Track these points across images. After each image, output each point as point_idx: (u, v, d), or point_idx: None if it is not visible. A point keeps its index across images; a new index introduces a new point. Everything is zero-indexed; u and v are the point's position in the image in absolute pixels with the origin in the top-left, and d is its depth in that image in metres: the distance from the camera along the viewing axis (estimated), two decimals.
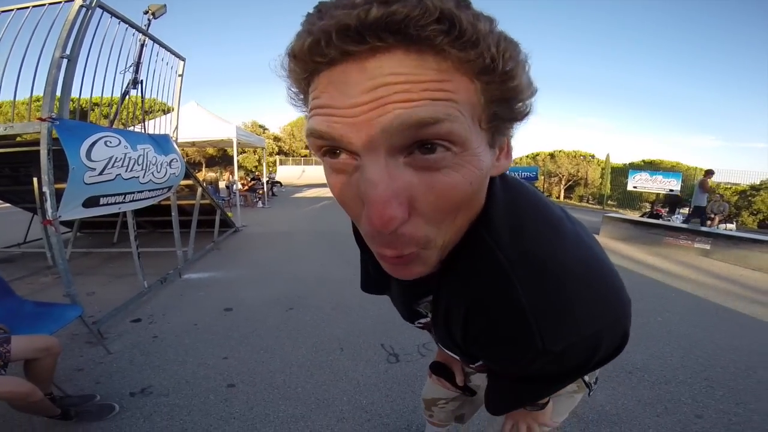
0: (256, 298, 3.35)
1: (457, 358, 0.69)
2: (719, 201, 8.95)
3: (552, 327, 0.43)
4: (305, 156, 31.37)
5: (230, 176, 11.51)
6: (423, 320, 0.70)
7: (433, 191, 0.34)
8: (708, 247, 5.96)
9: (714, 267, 5.33)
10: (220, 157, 26.15)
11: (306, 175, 25.83)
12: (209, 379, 2.14)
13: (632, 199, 13.37)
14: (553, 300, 0.43)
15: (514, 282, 0.43)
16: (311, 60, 0.32)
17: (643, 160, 15.85)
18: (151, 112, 3.98)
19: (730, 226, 7.66)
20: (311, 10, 0.33)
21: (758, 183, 12.15)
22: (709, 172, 7.99)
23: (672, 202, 10.45)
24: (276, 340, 2.60)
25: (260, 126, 31.64)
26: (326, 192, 16.15)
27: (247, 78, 70.10)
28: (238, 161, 7.92)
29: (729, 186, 12.93)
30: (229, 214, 6.81)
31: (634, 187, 11.04)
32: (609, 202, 14.20)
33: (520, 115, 0.38)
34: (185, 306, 3.18)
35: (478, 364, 0.65)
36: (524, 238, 0.45)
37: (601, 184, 15.11)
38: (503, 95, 0.34)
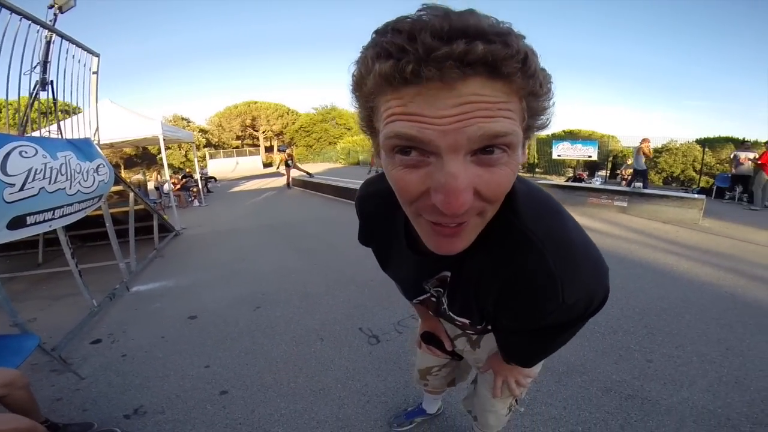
0: (218, 302, 3.21)
1: (461, 322, 0.81)
2: (630, 164, 10.08)
3: (569, 286, 0.58)
4: (237, 147, 29.83)
5: (158, 176, 10.65)
6: (423, 296, 0.81)
7: (492, 181, 0.43)
8: (625, 204, 6.73)
9: (632, 222, 6.02)
10: (140, 156, 24.10)
11: (240, 167, 24.70)
12: (198, 389, 2.07)
13: (557, 166, 14.50)
14: (570, 266, 0.58)
15: (546, 255, 0.56)
16: (404, 78, 0.38)
17: (564, 130, 17.17)
18: (67, 113, 3.52)
19: (637, 184, 8.64)
20: (390, 30, 0.39)
21: (660, 146, 13.73)
22: (645, 140, 8.93)
23: (591, 166, 11.60)
24: (252, 340, 2.54)
25: (183, 119, 29.39)
26: (266, 183, 15.61)
27: (161, 68, 64.02)
28: (165, 157, 7.28)
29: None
30: (165, 217, 6.34)
31: (558, 156, 11.99)
32: (537, 169, 15.24)
33: (543, 127, 0.48)
34: (144, 320, 2.99)
35: (482, 325, 0.79)
36: (544, 221, 0.59)
37: (529, 153, 15.99)
38: (537, 111, 0.45)
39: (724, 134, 14.17)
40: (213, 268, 4.25)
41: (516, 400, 1.12)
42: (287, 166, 12.28)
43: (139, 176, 10.84)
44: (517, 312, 0.66)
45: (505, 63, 0.37)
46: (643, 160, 8.78)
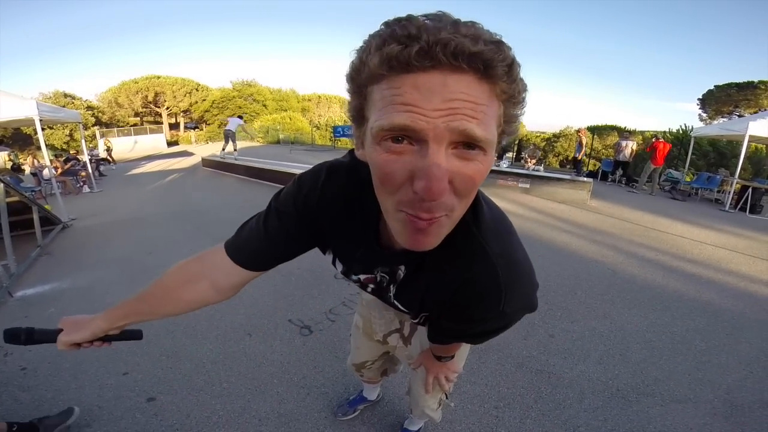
0: None
1: (404, 311, 0.85)
2: (533, 148, 11.23)
3: (510, 298, 0.66)
4: (135, 125, 26.63)
5: (34, 160, 9.13)
6: (365, 276, 0.80)
7: (467, 176, 0.46)
8: (528, 186, 7.47)
9: (533, 202, 6.69)
10: (10, 137, 20.46)
11: (140, 146, 22.19)
12: (122, 398, 1.90)
13: None
14: (514, 282, 0.66)
15: (498, 269, 0.64)
16: (411, 64, 0.41)
17: None
18: None
19: (538, 167, 9.69)
20: (403, 21, 0.42)
21: (558, 132, 15.40)
22: (580, 130, 10.00)
23: (500, 149, 12.59)
24: (173, 341, 2.37)
25: (66, 95, 25.30)
26: (172, 164, 14.28)
27: (40, 40, 53.59)
28: (42, 140, 6.20)
29: (539, 134, 16.30)
30: (47, 207, 5.50)
31: None
32: None
33: (512, 134, 0.52)
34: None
35: (422, 317, 0.85)
36: (501, 239, 0.66)
37: None
38: (511, 118, 0.49)
39: (610, 123, 16.22)
40: (115, 264, 3.80)
41: (446, 395, 1.22)
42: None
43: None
44: (461, 316, 0.73)
45: (496, 64, 0.42)
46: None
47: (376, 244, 0.70)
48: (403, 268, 0.73)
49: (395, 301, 0.81)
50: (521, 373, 2.08)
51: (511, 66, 0.43)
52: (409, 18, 0.43)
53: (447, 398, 1.24)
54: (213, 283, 0.82)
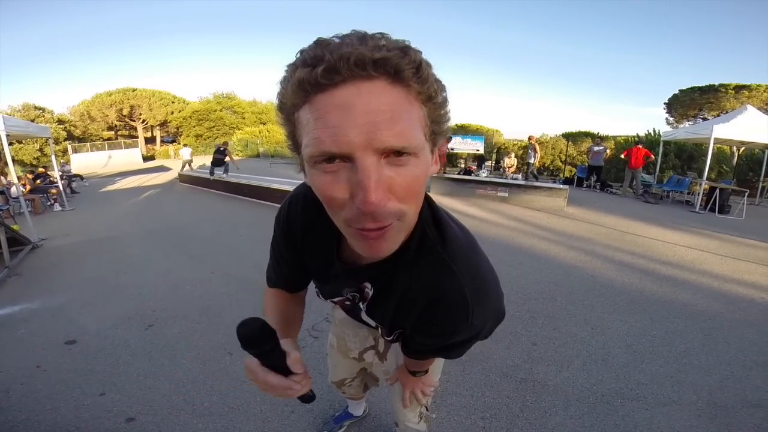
0: (100, 323, 2.80)
1: (373, 326, 0.88)
2: (511, 157, 11.66)
3: (478, 312, 0.68)
4: (110, 139, 25.96)
5: (1, 177, 8.75)
6: (338, 298, 0.85)
7: (403, 181, 0.48)
8: (507, 195, 7.60)
9: (512, 211, 6.81)
10: None
11: (114, 161, 21.61)
12: (100, 419, 1.84)
13: (451, 158, 15.77)
14: (480, 297, 0.67)
15: (464, 286, 0.65)
16: (319, 83, 0.43)
17: (456, 125, 18.65)
18: None
19: (516, 175, 9.98)
20: (311, 46, 0.45)
21: (535, 139, 15.90)
22: (531, 138, 10.33)
23: (479, 159, 12.78)
24: (150, 362, 2.29)
25: (37, 108, 24.43)
26: (148, 179, 13.97)
27: (10, 50, 51.57)
28: (9, 155, 5.95)
29: (516, 142, 16.73)
30: (15, 227, 5.28)
31: (452, 149, 13.01)
32: None
33: (445, 133, 0.54)
34: (10, 349, 2.50)
35: (396, 334, 0.86)
36: (466, 257, 0.68)
37: None
38: (437, 118, 0.51)
39: (584, 129, 16.67)
40: (88, 284, 3.65)
41: (426, 407, 1.23)
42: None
43: None
44: (432, 330, 0.75)
45: (403, 67, 0.43)
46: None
47: (338, 260, 0.73)
48: (369, 285, 0.75)
49: (367, 319, 0.84)
50: (506, 383, 2.08)
51: (420, 67, 0.45)
52: (317, 41, 0.45)
53: (427, 410, 1.24)
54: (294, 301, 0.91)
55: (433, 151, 0.54)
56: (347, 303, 0.84)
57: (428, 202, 0.68)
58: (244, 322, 0.47)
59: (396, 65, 0.43)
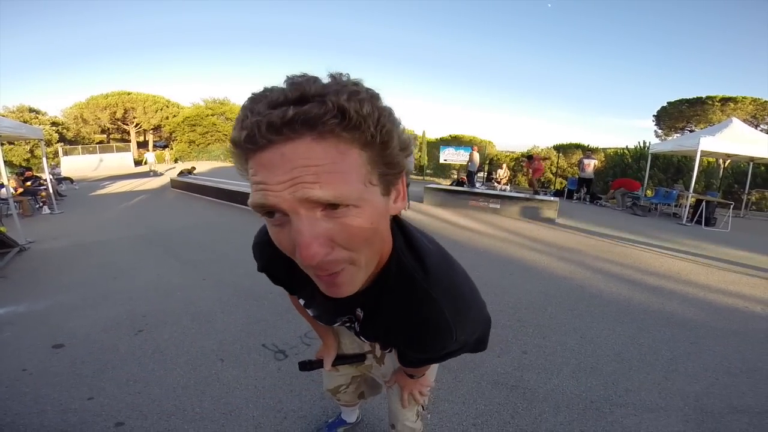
0: (89, 327, 2.76)
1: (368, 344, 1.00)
2: (504, 168, 11.85)
3: (461, 328, 0.72)
4: (101, 143, 25.72)
5: None
6: (336, 324, 0.90)
7: (345, 231, 0.47)
8: (498, 206, 7.69)
9: (504, 222, 6.87)
10: None
11: (105, 165, 21.37)
12: (88, 423, 1.81)
13: (444, 169, 15.84)
14: (461, 315, 0.71)
15: (444, 309, 0.68)
16: (246, 147, 0.44)
17: (450, 135, 18.83)
18: None
19: (506, 186, 10.10)
20: (243, 105, 0.45)
21: (526, 151, 16.03)
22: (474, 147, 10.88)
23: (468, 173, 12.92)
24: (140, 367, 2.26)
25: (32, 110, 24.36)
26: (139, 184, 13.85)
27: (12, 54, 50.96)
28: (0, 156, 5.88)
29: (508, 153, 16.98)
30: (2, 229, 5.20)
31: (445, 160, 13.13)
32: (427, 171, 16.43)
33: (399, 169, 0.51)
34: None
35: (389, 350, 0.95)
36: (444, 279, 0.70)
37: (419, 156, 17.25)
38: (383, 160, 0.48)
39: (575, 141, 16.92)
40: (76, 288, 3.60)
41: (422, 407, 1.27)
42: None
43: None
44: (423, 348, 0.80)
45: (320, 121, 0.41)
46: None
47: (321, 295, 0.74)
48: (359, 309, 0.78)
49: (361, 338, 0.88)
50: (497, 390, 2.09)
51: (345, 113, 0.42)
52: (250, 98, 0.45)
53: (424, 409, 1.29)
54: None
55: (390, 190, 0.53)
56: (346, 326, 0.88)
57: (399, 225, 0.68)
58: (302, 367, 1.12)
59: (313, 121, 0.41)
